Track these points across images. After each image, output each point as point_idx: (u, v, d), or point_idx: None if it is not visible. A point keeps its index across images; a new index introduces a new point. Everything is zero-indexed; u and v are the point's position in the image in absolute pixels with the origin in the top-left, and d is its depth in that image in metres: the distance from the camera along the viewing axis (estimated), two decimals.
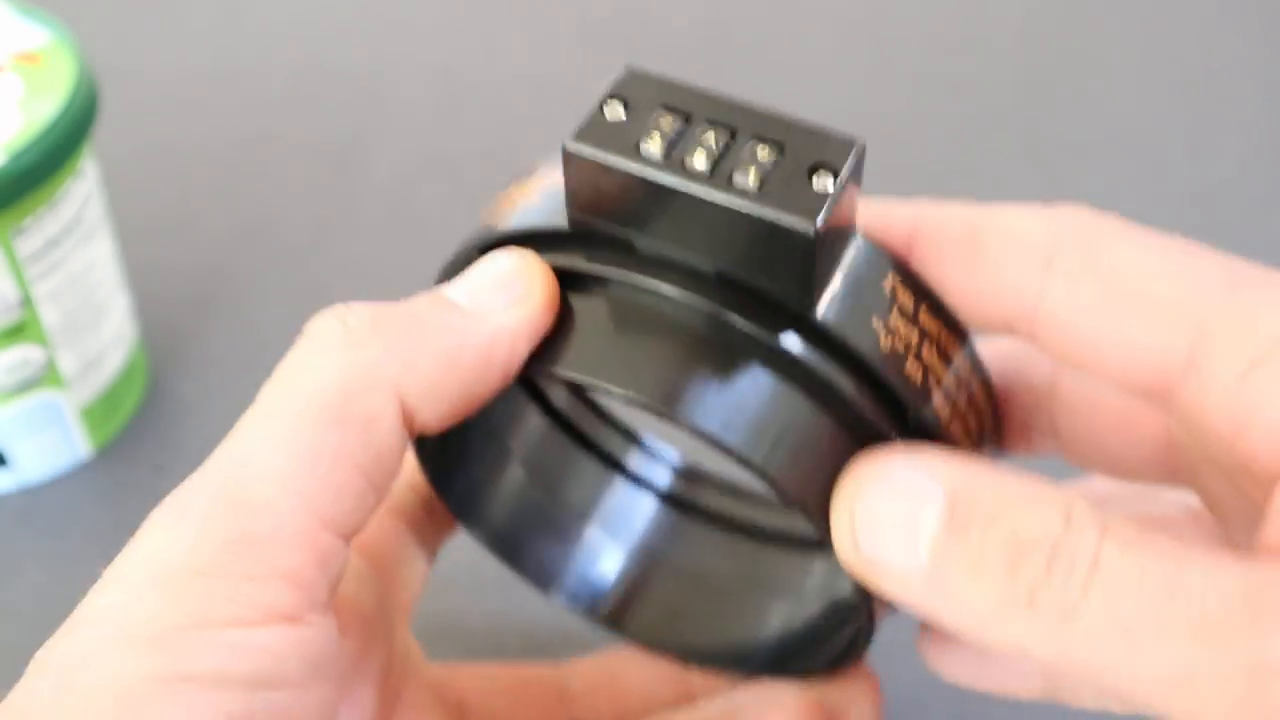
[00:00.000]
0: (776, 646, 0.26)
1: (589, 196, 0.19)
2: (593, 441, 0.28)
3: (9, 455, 0.34)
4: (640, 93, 0.19)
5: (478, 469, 0.26)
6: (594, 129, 0.19)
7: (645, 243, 0.19)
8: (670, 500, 0.29)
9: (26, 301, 0.32)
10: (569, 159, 0.19)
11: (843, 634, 0.24)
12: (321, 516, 0.18)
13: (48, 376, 0.33)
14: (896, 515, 0.18)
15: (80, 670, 0.17)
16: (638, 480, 0.29)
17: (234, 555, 0.18)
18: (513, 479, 0.27)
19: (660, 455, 0.29)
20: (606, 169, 0.19)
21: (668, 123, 0.19)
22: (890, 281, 0.19)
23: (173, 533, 0.18)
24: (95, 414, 0.35)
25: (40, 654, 0.18)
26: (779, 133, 0.18)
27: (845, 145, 0.18)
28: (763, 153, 0.18)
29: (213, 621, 0.17)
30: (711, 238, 0.19)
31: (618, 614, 0.28)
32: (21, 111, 0.30)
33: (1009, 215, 0.20)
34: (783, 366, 0.19)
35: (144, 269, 0.40)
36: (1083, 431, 0.23)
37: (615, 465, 0.29)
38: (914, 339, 0.19)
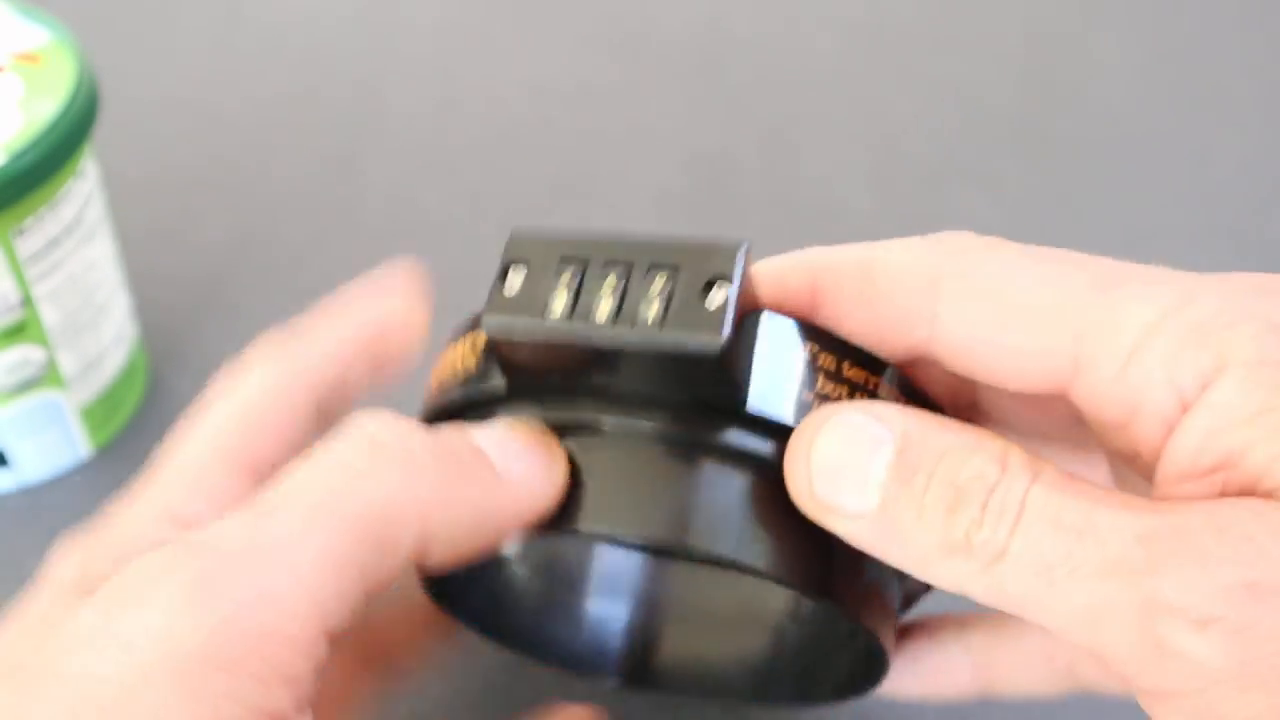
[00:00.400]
0: (800, 670, 0.27)
1: (523, 360, 0.20)
2: None
3: (9, 455, 0.34)
4: (534, 252, 0.20)
5: (483, 581, 0.27)
6: (502, 301, 0.20)
7: (583, 386, 0.21)
8: (653, 550, 0.29)
9: (27, 301, 0.32)
10: (488, 335, 0.20)
11: (859, 647, 0.25)
12: (327, 626, 0.19)
13: (48, 376, 0.33)
14: (850, 460, 0.19)
15: None
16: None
17: (250, 653, 0.18)
18: (515, 578, 0.28)
19: None
20: (525, 338, 0.20)
21: (567, 277, 0.20)
22: (808, 350, 0.20)
23: (194, 612, 0.18)
24: (95, 414, 0.35)
25: (19, 702, 0.18)
26: (670, 257, 0.19)
27: (732, 251, 0.19)
28: (659, 281, 0.19)
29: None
30: (638, 371, 0.20)
31: (641, 670, 0.28)
32: (21, 111, 0.30)
33: (895, 250, 0.21)
34: (743, 462, 0.20)
35: (144, 269, 0.40)
36: (1009, 416, 0.24)
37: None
38: (844, 393, 0.20)
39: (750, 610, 0.28)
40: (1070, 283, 0.20)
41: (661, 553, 0.20)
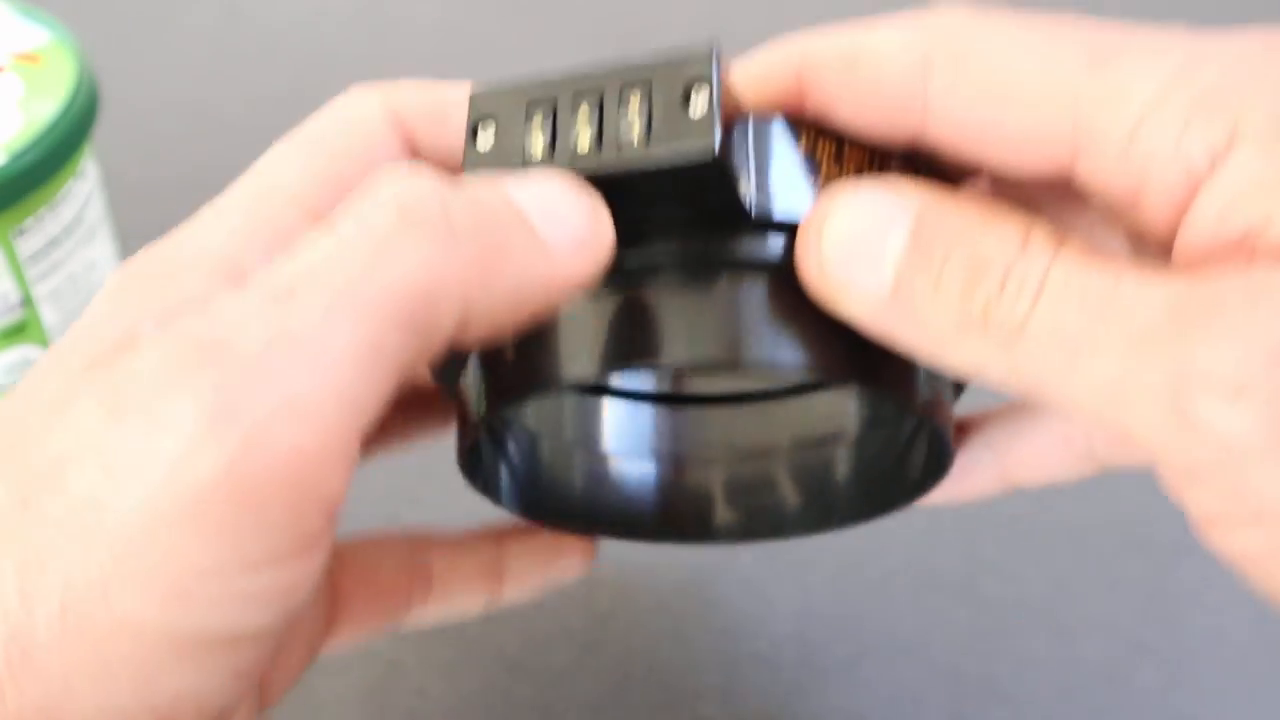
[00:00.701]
0: (857, 489, 0.26)
1: None
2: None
3: None
4: (499, 106, 0.19)
5: (526, 465, 0.26)
6: (477, 158, 0.19)
7: None
8: (674, 399, 0.28)
9: (27, 301, 0.32)
10: None
11: (917, 449, 0.24)
12: (361, 427, 0.17)
13: None
14: (864, 236, 0.18)
15: (93, 611, 0.15)
16: (628, 394, 0.28)
17: (278, 479, 0.16)
18: (539, 450, 0.27)
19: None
20: None
21: (539, 119, 0.19)
22: (804, 142, 0.19)
23: (214, 435, 0.15)
24: None
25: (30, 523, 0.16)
26: (640, 75, 0.19)
27: (703, 54, 0.18)
28: (634, 101, 0.18)
29: (246, 564, 0.16)
30: (634, 198, 0.19)
31: (698, 523, 0.27)
32: (21, 111, 0.30)
33: (880, 33, 0.20)
34: (767, 268, 0.19)
35: None
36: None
37: (598, 390, 0.28)
38: (850, 173, 0.20)
39: (792, 440, 0.27)
40: (1068, 57, 0.18)
41: (715, 370, 0.19)
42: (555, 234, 0.18)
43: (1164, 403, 0.16)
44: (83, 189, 0.32)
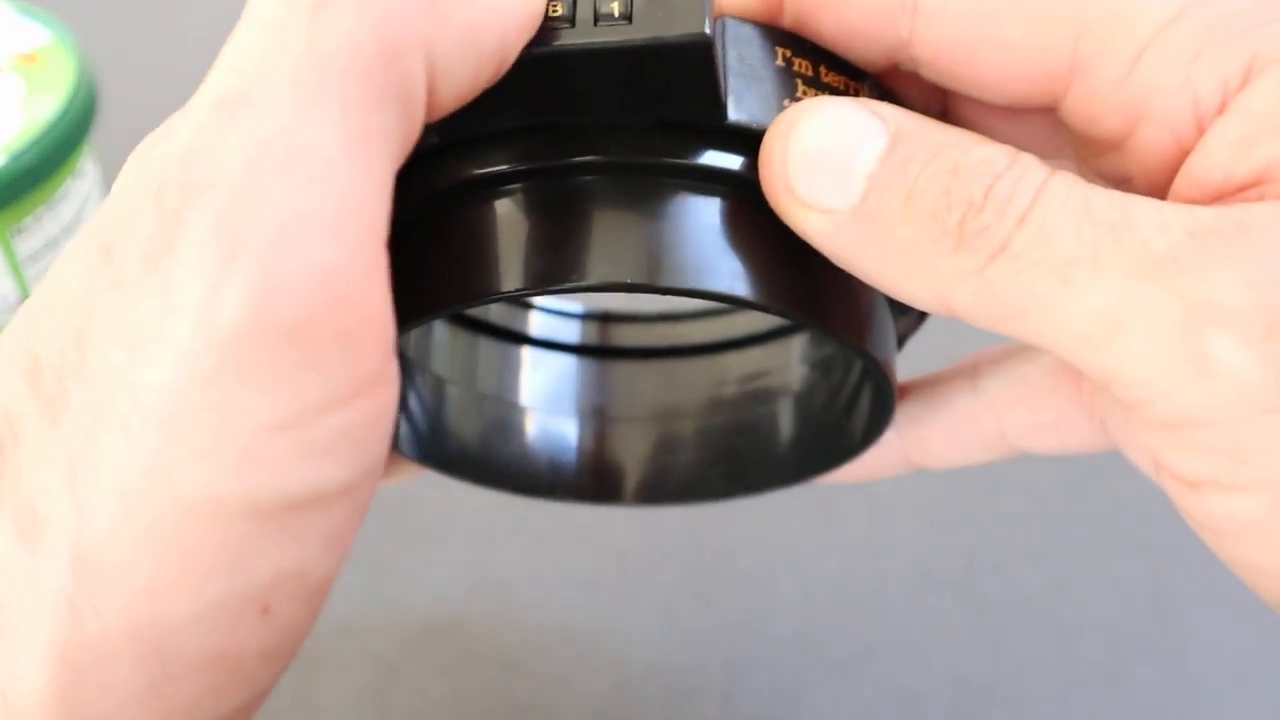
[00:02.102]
0: (796, 450, 0.25)
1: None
2: (488, 324, 0.26)
3: None
4: None
5: (428, 412, 0.25)
6: None
7: (536, 125, 0.18)
8: (597, 351, 0.27)
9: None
10: None
11: (860, 405, 0.23)
12: (378, 233, 0.14)
13: None
14: (835, 147, 0.16)
15: (159, 499, 0.13)
16: (552, 344, 0.27)
17: (315, 304, 0.13)
18: (458, 401, 0.26)
19: (563, 310, 0.27)
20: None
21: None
22: (781, 55, 0.18)
23: (227, 271, 0.13)
24: None
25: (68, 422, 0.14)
26: None
27: None
28: None
29: (309, 409, 0.14)
30: (605, 83, 0.17)
31: (612, 483, 0.26)
32: (21, 111, 0.30)
33: None
34: (726, 185, 0.18)
35: None
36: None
37: (519, 339, 0.26)
38: (825, 95, 0.18)
39: (731, 395, 0.26)
40: None
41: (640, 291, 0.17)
42: None
43: (1168, 337, 0.14)
44: (82, 189, 0.32)
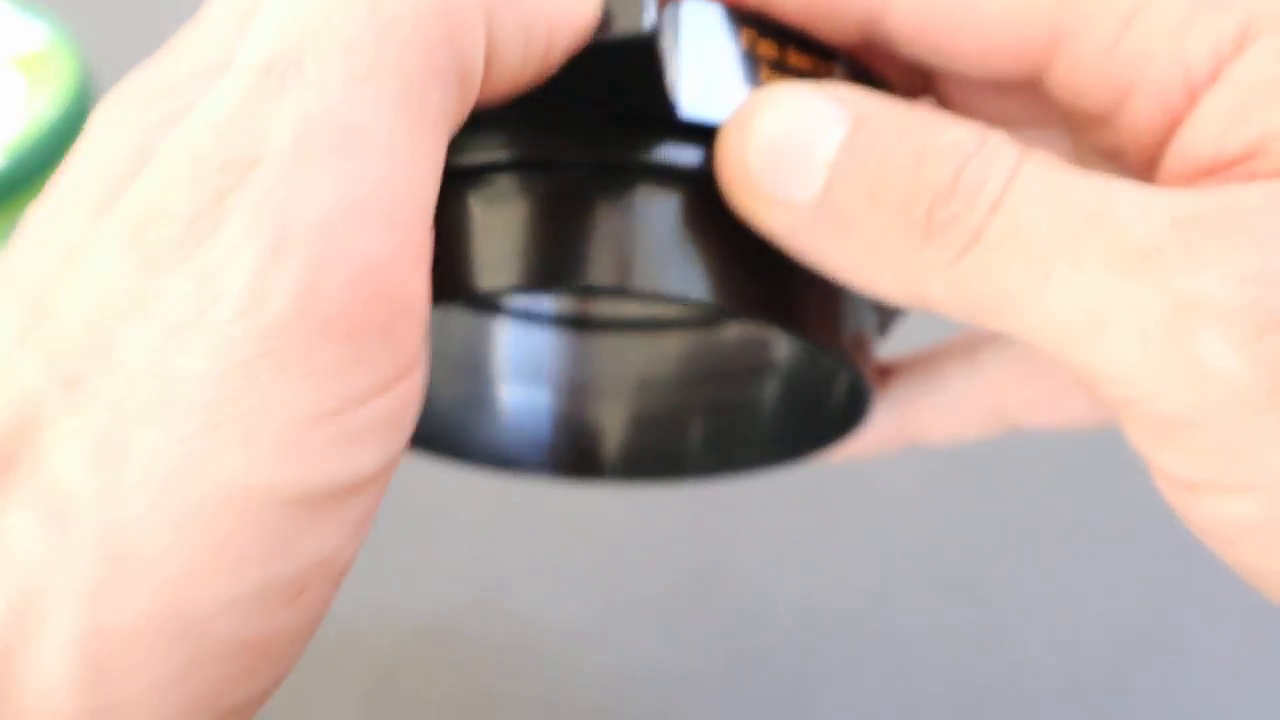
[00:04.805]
0: (781, 428, 0.24)
1: None
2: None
3: None
4: None
5: None
6: None
7: (489, 127, 0.17)
8: (575, 323, 0.26)
9: None
10: None
11: (838, 387, 0.22)
12: (427, 215, 0.14)
13: None
14: (795, 138, 0.15)
15: (198, 485, 0.13)
16: (529, 316, 0.26)
17: (364, 293, 0.13)
18: (431, 374, 0.25)
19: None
20: None
21: None
22: (747, 38, 0.17)
23: (274, 261, 0.13)
24: None
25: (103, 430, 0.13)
26: None
27: None
28: None
29: (354, 397, 0.13)
30: (549, 93, 0.16)
31: (586, 459, 0.25)
32: (21, 111, 0.30)
33: None
34: (684, 179, 0.17)
35: None
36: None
37: (494, 309, 0.26)
38: (791, 80, 0.17)
39: (709, 372, 0.25)
40: None
41: (604, 294, 0.17)
42: None
43: (1155, 335, 0.14)
44: None
